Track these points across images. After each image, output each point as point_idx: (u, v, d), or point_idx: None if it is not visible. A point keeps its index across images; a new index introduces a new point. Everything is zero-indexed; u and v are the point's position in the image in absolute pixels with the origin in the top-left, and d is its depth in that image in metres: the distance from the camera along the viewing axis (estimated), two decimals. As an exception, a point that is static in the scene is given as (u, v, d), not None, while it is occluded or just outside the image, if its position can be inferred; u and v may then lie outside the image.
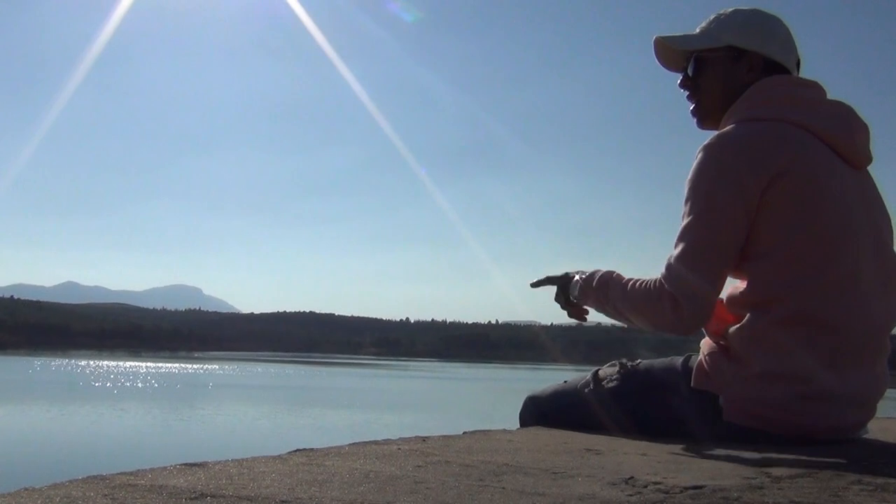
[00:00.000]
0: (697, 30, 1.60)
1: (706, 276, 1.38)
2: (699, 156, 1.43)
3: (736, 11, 1.57)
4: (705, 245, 1.38)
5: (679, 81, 1.61)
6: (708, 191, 1.40)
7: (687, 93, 1.60)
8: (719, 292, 1.42)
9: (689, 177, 1.43)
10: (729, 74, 1.55)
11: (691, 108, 1.60)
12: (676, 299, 1.38)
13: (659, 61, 1.63)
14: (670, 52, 1.61)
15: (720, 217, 1.39)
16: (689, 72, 1.59)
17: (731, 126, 1.47)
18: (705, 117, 1.58)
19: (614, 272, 1.55)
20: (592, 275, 1.57)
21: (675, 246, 1.41)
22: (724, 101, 1.54)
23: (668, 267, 1.41)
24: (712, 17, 1.59)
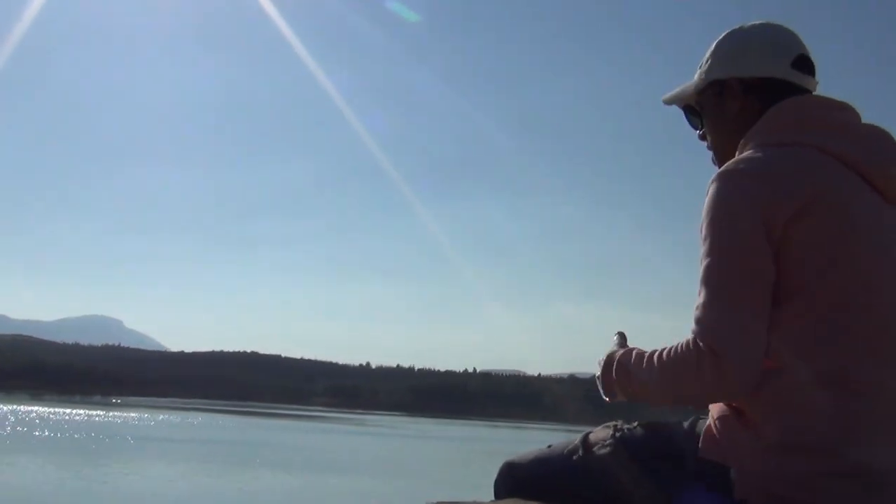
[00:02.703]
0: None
1: (746, 317, 1.34)
2: (713, 186, 1.44)
3: (714, 42, 1.65)
4: (736, 283, 1.36)
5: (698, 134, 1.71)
6: (727, 222, 1.40)
7: (705, 144, 1.68)
8: (765, 335, 1.37)
9: (704, 210, 1.43)
10: (718, 112, 1.62)
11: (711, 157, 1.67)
12: (716, 353, 1.32)
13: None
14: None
15: (745, 248, 1.37)
16: (690, 125, 1.71)
17: (748, 152, 1.49)
18: (722, 165, 1.62)
19: (634, 349, 1.52)
20: (609, 361, 1.54)
21: (700, 293, 1.38)
22: (729, 141, 1.59)
23: (698, 319, 1.37)
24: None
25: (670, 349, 1.40)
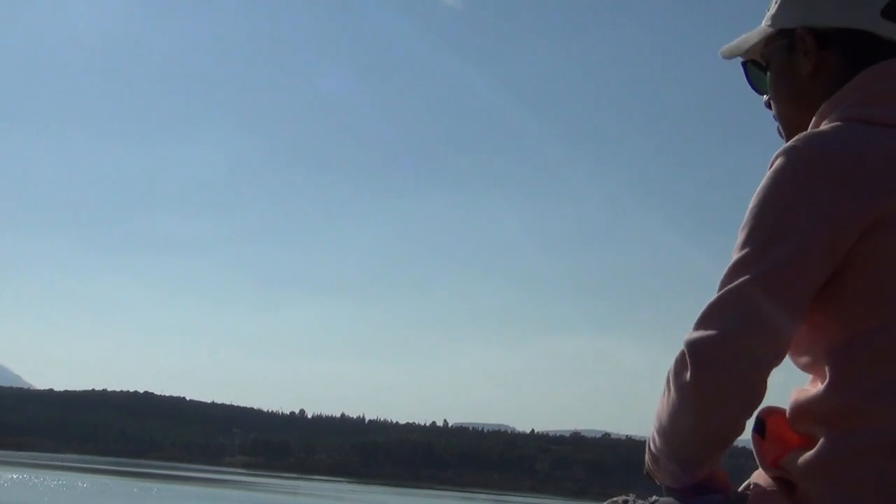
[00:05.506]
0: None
1: (764, 320, 1.35)
2: (776, 162, 1.44)
3: None
4: (768, 279, 1.36)
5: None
6: (782, 207, 1.40)
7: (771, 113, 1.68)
8: (784, 349, 1.39)
9: (758, 189, 1.44)
10: (788, 72, 1.60)
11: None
12: (696, 357, 1.34)
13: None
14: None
15: (794, 242, 1.36)
16: (752, 86, 1.70)
17: (829, 126, 1.47)
18: (789, 139, 1.62)
19: None
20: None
21: (718, 289, 1.40)
22: (798, 109, 1.58)
23: (696, 322, 1.39)
24: None
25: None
